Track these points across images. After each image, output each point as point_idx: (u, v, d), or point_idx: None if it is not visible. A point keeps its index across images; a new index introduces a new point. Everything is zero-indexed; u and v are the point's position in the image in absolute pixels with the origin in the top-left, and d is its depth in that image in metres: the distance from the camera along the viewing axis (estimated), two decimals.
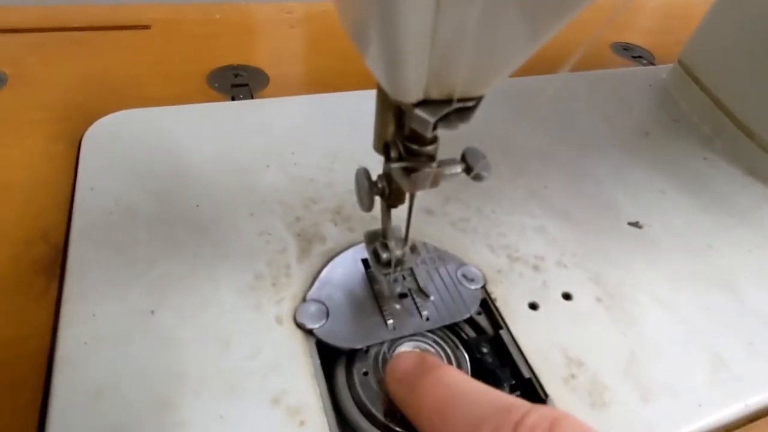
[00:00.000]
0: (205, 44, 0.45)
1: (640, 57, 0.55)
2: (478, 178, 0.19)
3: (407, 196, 0.21)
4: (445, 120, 0.16)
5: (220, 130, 0.34)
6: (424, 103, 0.15)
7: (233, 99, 0.39)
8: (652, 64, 0.54)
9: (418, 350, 0.24)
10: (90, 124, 0.33)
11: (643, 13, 0.66)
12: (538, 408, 0.16)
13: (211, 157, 0.32)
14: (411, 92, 0.15)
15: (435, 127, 0.16)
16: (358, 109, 0.37)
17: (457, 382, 0.18)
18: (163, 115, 0.35)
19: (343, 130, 0.35)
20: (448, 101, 0.15)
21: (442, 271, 0.27)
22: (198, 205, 0.29)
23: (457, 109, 0.16)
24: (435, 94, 0.15)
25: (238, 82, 0.41)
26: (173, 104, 0.36)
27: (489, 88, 0.16)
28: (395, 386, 0.20)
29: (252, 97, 0.39)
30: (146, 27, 0.46)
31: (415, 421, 0.18)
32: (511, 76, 0.15)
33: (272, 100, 0.38)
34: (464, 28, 0.12)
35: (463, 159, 0.19)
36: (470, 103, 0.16)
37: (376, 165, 0.21)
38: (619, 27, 0.60)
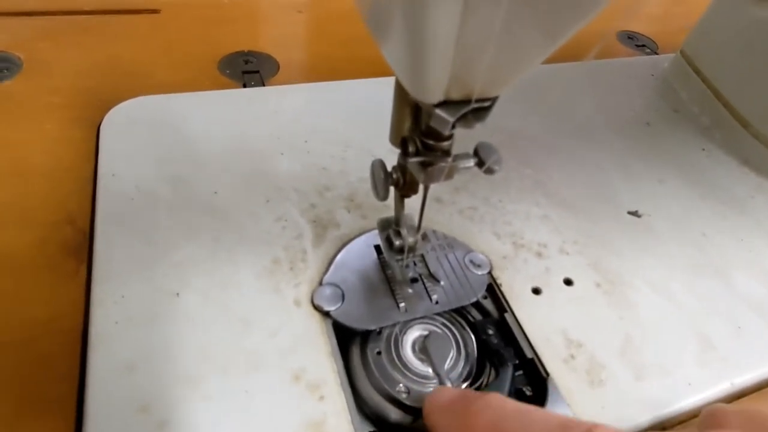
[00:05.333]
0: (214, 29, 0.45)
1: (644, 46, 0.55)
2: (489, 171, 0.20)
3: (421, 187, 0.22)
4: (462, 119, 0.17)
5: (234, 118, 0.35)
6: (444, 104, 0.16)
7: (245, 86, 0.39)
8: (656, 53, 0.55)
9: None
10: (104, 110, 0.34)
11: (650, 0, 0.66)
12: (600, 426, 0.15)
13: (227, 145, 0.33)
14: (433, 94, 0.16)
15: (453, 126, 0.17)
16: (369, 97, 0.38)
17: (506, 405, 0.17)
18: (179, 102, 0.35)
19: (354, 119, 0.36)
20: (466, 101, 0.16)
21: (451, 257, 0.28)
22: (216, 192, 0.30)
23: (474, 109, 0.17)
24: (455, 95, 0.16)
25: (249, 69, 0.41)
26: (185, 90, 0.37)
27: (506, 88, 0.17)
28: (439, 416, 0.19)
29: (263, 84, 0.40)
30: (156, 11, 0.46)
31: None
32: None
33: (284, 87, 0.39)
34: (487, 33, 0.13)
35: (476, 153, 0.20)
36: (486, 103, 0.17)
37: (387, 154, 0.22)
38: (626, 16, 0.60)
